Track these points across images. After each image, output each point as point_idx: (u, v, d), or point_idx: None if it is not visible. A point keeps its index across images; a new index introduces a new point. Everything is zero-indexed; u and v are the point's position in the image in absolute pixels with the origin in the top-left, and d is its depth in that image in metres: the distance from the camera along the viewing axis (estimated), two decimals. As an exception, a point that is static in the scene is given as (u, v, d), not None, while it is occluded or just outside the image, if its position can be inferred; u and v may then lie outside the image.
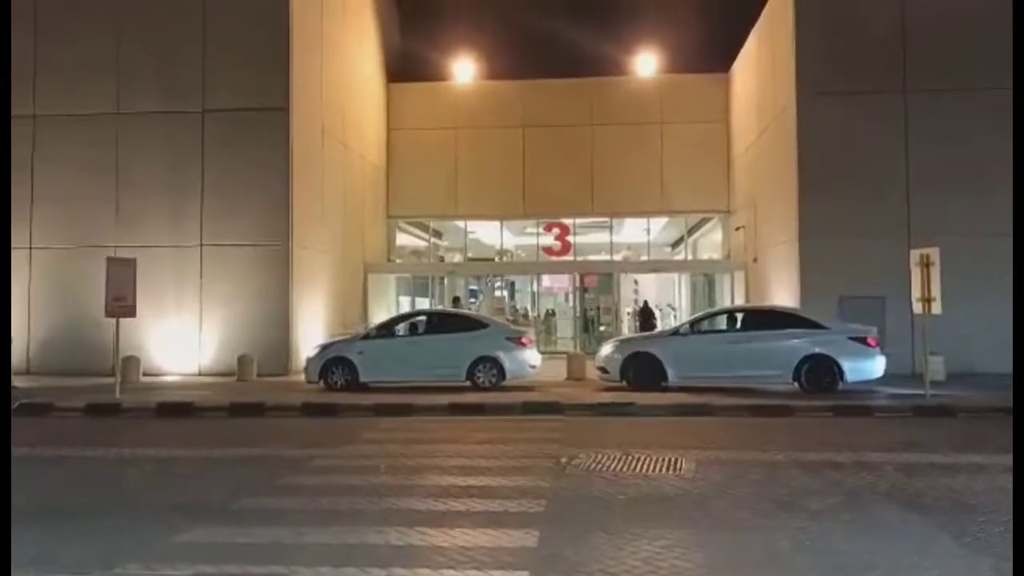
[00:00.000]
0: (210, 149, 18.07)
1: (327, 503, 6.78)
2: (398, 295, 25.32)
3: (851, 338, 13.77)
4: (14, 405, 12.78)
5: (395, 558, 5.15)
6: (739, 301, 22.30)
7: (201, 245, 18.02)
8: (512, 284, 27.82)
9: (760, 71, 21.15)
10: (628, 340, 15.81)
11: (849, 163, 17.00)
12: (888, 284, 15.84)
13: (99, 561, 4.91)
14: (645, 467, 8.04)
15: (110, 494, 7.25)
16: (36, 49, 18.38)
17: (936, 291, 12.80)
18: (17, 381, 15.38)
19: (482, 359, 14.60)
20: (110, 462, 8.63)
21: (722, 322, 15.33)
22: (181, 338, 17.84)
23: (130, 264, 14.54)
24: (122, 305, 14.08)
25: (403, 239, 26.39)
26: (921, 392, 13.02)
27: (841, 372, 13.57)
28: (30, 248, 18.31)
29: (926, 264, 12.97)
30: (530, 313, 26.03)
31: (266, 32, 18.02)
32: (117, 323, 14.05)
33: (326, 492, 7.18)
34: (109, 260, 14.36)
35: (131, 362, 16.10)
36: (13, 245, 17.93)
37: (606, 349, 15.15)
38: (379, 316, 21.77)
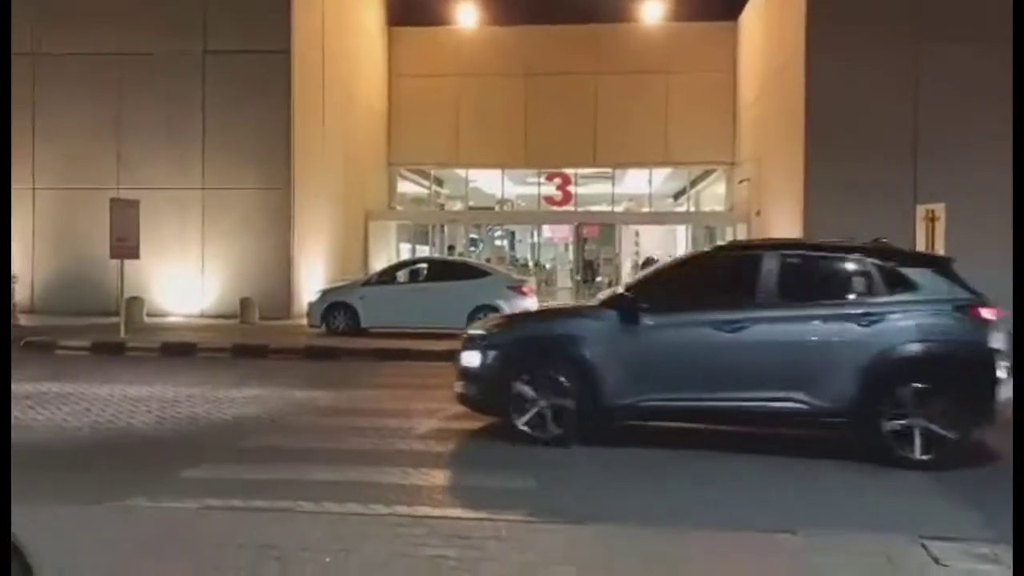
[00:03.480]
0: (211, 91, 17.91)
1: (331, 443, 6.92)
2: (398, 242, 25.34)
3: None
4: (20, 343, 12.92)
5: (398, 495, 5.29)
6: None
7: (203, 189, 17.99)
8: (512, 234, 27.83)
9: (768, 20, 20.85)
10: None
11: (857, 117, 16.85)
12: (894, 241, 15.80)
13: (107, 494, 5.04)
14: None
15: (116, 431, 7.39)
16: (35, -15, 18.08)
17: (941, 247, 12.82)
18: (22, 319, 15.51)
19: (483, 307, 14.69)
20: (115, 399, 8.77)
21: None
22: (184, 280, 17.92)
23: (133, 206, 14.55)
24: (125, 246, 14.13)
25: (404, 186, 26.31)
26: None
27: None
28: (33, 189, 18.27)
29: (932, 219, 12.97)
30: (530, 262, 26.07)
31: (267, -29, 17.75)
32: (121, 264, 14.12)
33: (330, 432, 7.32)
34: (112, 201, 14.38)
35: (135, 303, 16.19)
36: (16, 185, 17.88)
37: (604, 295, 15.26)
38: (379, 263, 21.82)
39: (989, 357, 6.14)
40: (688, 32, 24.20)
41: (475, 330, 7.55)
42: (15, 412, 7.81)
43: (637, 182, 25.94)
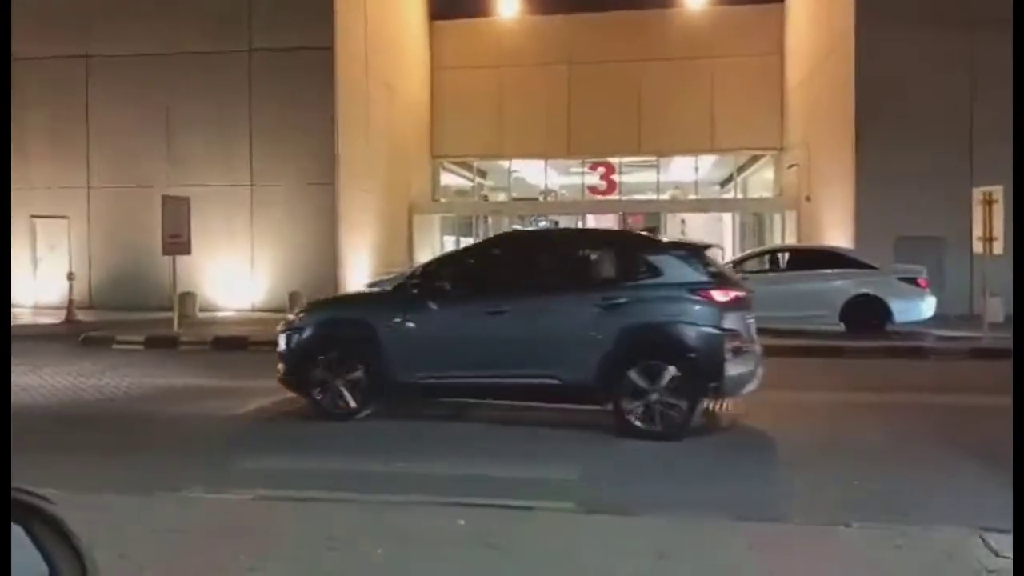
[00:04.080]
0: (257, 89, 18.16)
1: (380, 435, 6.99)
2: (442, 235, 25.44)
3: (900, 278, 13.50)
4: (78, 338, 13.29)
5: (453, 487, 5.32)
6: (791, 241, 21.95)
7: (251, 185, 18.27)
8: (556, 224, 27.71)
9: (817, 0, 20.40)
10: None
11: (910, 99, 16.40)
12: (948, 225, 15.41)
13: (163, 484, 5.15)
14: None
15: (172, 422, 7.55)
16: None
17: (999, 230, 12.45)
18: (80, 315, 15.93)
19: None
20: (176, 391, 8.96)
21: (767, 262, 15.14)
22: (234, 275, 18.23)
23: (184, 202, 14.83)
24: (177, 243, 14.41)
25: (447, 179, 26.39)
26: (978, 334, 12.76)
27: (889, 313, 13.35)
28: (88, 188, 18.74)
29: (989, 202, 12.60)
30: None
31: (310, -32, 17.92)
32: (173, 260, 14.41)
33: (380, 424, 7.39)
34: (164, 199, 14.67)
35: (188, 298, 16.53)
36: (72, 184, 18.41)
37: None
38: (424, 256, 21.93)
39: (718, 336, 6.56)
40: (733, 15, 23.79)
41: (291, 315, 8.25)
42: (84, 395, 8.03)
43: (682, 170, 25.64)
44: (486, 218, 25.95)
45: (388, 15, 21.65)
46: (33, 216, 18.61)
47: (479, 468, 5.86)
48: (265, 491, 5.07)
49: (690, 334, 6.61)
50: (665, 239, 8.20)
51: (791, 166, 22.51)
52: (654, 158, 24.83)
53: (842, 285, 13.59)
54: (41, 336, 14.15)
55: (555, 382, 6.79)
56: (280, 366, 7.58)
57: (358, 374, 7.22)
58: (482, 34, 24.85)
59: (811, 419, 7.66)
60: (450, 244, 24.64)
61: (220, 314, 17.64)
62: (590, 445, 6.52)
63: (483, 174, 27.17)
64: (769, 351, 11.83)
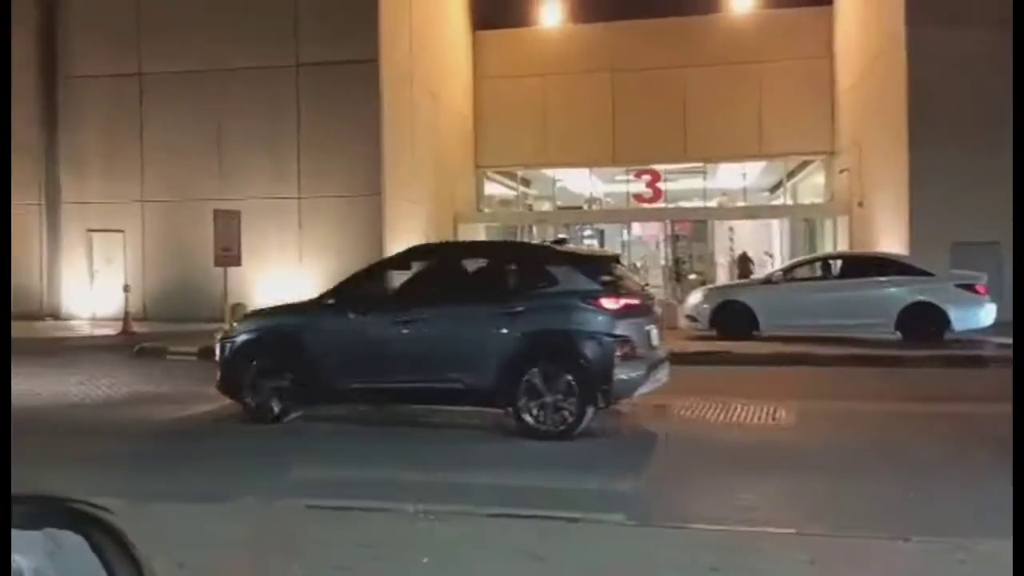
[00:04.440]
0: (304, 102, 18.44)
1: (410, 443, 7.00)
2: (488, 244, 25.46)
3: (958, 285, 13.13)
4: (133, 349, 13.58)
5: (493, 497, 5.28)
6: (843, 247, 21.51)
7: (299, 197, 18.53)
8: (602, 232, 27.61)
9: (866, 1, 20.02)
10: (718, 288, 15.61)
11: (963, 100, 15.98)
12: (1006, 229, 14.93)
13: (216, 495, 5.21)
14: (743, 416, 7.95)
15: (224, 433, 7.65)
16: (140, 9, 18.96)
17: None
18: (135, 327, 16.30)
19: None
20: (227, 403, 9.09)
21: (818, 269, 14.87)
22: (284, 286, 18.43)
23: (235, 216, 15.10)
24: (229, 255, 14.67)
25: (492, 188, 26.46)
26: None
27: (947, 320, 12.99)
28: (142, 202, 19.20)
29: (1047, 205, 12.18)
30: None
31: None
32: (225, 272, 14.67)
33: (412, 432, 7.41)
34: (216, 212, 14.95)
35: (239, 309, 16.69)
36: (129, 198, 18.89)
37: (695, 297, 14.95)
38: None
39: (608, 342, 6.85)
40: (780, 19, 23.47)
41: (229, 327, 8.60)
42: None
43: (730, 176, 25.32)
44: (531, 227, 25.94)
45: (432, 26, 21.83)
46: (90, 230, 19.13)
47: (512, 479, 5.81)
48: (313, 500, 5.09)
49: (580, 340, 6.91)
50: (570, 249, 8.48)
51: (842, 171, 22.08)
52: (701, 165, 24.58)
53: (897, 292, 13.27)
54: (98, 347, 14.50)
55: (460, 386, 7.13)
56: (217, 373, 8.00)
57: (284, 381, 7.58)
58: (525, 43, 24.89)
59: (862, 428, 7.46)
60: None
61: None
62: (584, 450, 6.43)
63: (527, 183, 27.18)
64: (824, 360, 11.72)
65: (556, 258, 7.58)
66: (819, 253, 20.25)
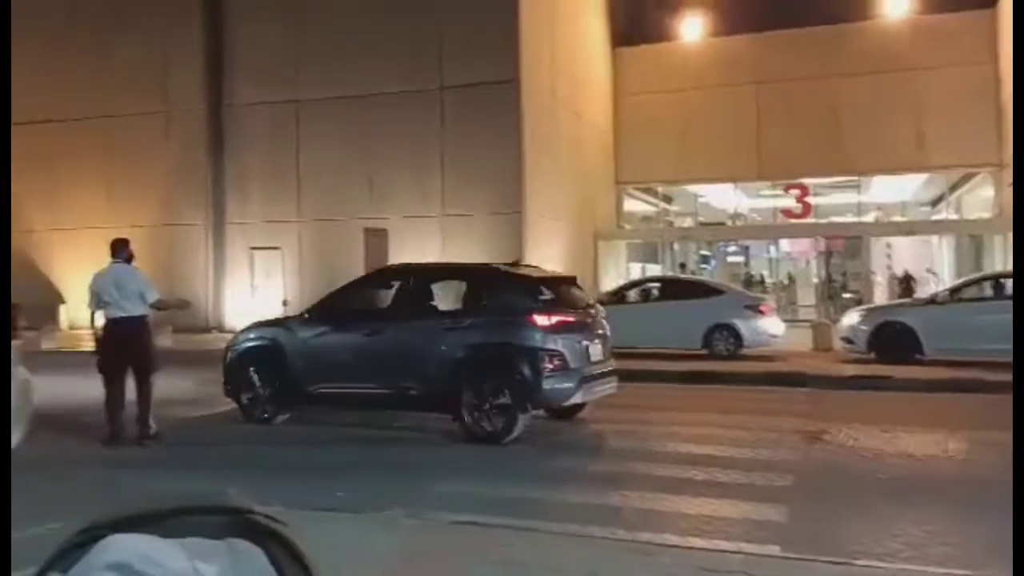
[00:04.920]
0: (448, 124, 18.95)
1: (568, 464, 6.93)
2: (628, 262, 25.23)
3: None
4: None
5: (639, 522, 5.16)
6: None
7: (442, 216, 19.01)
8: (747, 249, 26.74)
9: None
10: (877, 309, 14.72)
11: None
12: None
13: (369, 505, 5.35)
14: (907, 445, 7.43)
15: (371, 445, 7.89)
16: (296, 42, 20.03)
17: None
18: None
19: (718, 327, 14.17)
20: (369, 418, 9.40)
21: (988, 288, 13.75)
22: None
23: (383, 234, 15.70)
24: (375, 272, 15.21)
25: (632, 205, 26.21)
26: None
27: None
28: (298, 221, 20.26)
29: None
30: (767, 280, 24.88)
31: (496, 4, 18.54)
32: (372, 289, 15.21)
33: (567, 453, 7.35)
34: (366, 231, 15.60)
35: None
36: (284, 219, 20.00)
37: (851, 318, 14.14)
38: (609, 282, 21.84)
39: (537, 355, 7.57)
40: (938, 24, 22.05)
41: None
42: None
43: (886, 190, 23.95)
44: (672, 245, 25.46)
45: (572, 45, 21.95)
46: (252, 248, 20.38)
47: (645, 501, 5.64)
48: (456, 516, 5.12)
49: (514, 353, 7.64)
50: (517, 271, 8.88)
51: (1010, 184, 20.40)
52: (855, 178, 23.38)
53: None
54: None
55: (413, 393, 7.94)
56: (223, 378, 8.98)
57: (269, 386, 8.56)
58: (665, 58, 24.57)
59: None
60: (636, 271, 24.38)
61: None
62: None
63: (668, 199, 26.75)
64: (998, 387, 10.61)
65: (503, 278, 8.39)
66: (988, 272, 18.73)
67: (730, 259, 26.30)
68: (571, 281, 8.93)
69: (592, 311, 8.66)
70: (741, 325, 14.09)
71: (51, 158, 20.98)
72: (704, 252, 26.26)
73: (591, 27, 23.63)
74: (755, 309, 14.36)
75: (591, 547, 4.51)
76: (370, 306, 9.07)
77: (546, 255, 19.63)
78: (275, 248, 20.16)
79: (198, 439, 8.22)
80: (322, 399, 8.48)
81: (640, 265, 25.23)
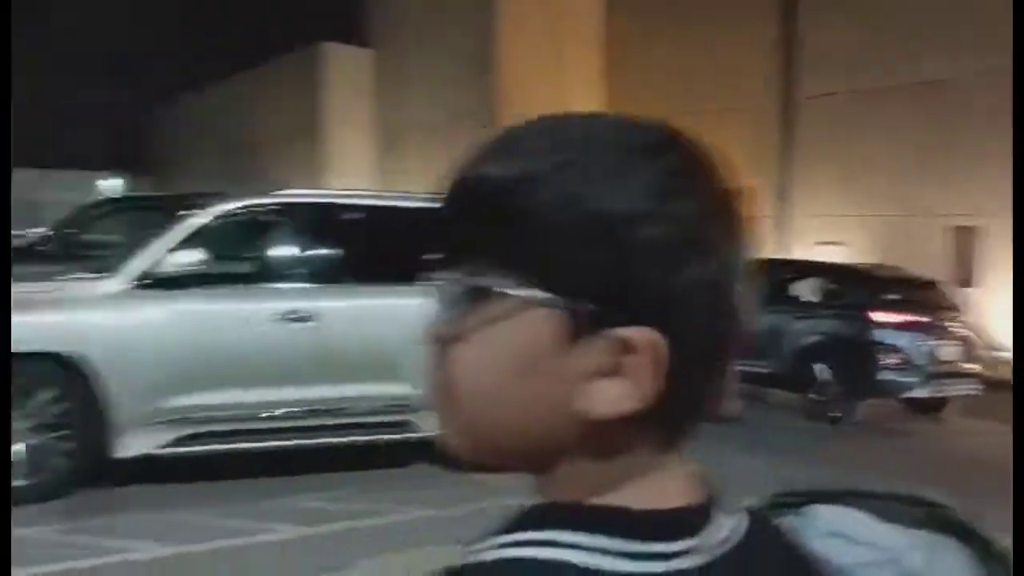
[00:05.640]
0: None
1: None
2: None
3: None
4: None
5: None
6: None
7: None
8: None
9: None
10: None
11: None
12: None
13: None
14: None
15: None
16: (871, 25, 18.97)
17: None
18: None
19: None
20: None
21: None
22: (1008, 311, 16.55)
23: (972, 233, 14.45)
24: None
25: None
26: None
27: None
28: (861, 215, 19.30)
29: None
30: None
31: None
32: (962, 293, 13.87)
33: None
34: (956, 229, 14.65)
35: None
36: (852, 212, 19.34)
37: None
38: None
39: (875, 348, 8.45)
40: None
41: None
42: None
43: None
44: None
45: None
46: (816, 243, 20.06)
47: None
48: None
49: (854, 345, 8.53)
50: (876, 271, 10.01)
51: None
52: None
53: None
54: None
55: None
56: None
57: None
58: None
59: None
60: None
61: (1002, 354, 16.10)
62: None
63: None
64: None
65: (857, 277, 9.63)
66: None
67: None
68: (929, 285, 9.48)
69: (949, 314, 8.92)
70: None
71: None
72: None
73: None
74: None
75: None
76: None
77: None
78: (838, 243, 19.58)
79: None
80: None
81: None
